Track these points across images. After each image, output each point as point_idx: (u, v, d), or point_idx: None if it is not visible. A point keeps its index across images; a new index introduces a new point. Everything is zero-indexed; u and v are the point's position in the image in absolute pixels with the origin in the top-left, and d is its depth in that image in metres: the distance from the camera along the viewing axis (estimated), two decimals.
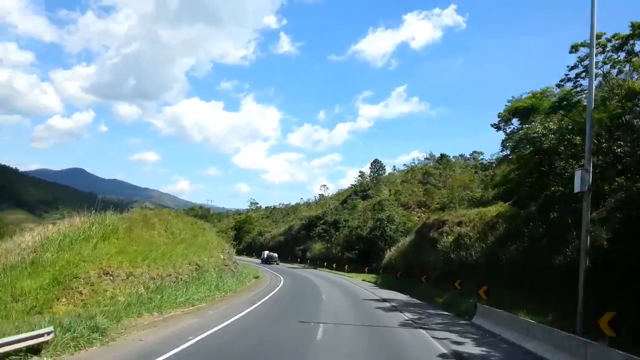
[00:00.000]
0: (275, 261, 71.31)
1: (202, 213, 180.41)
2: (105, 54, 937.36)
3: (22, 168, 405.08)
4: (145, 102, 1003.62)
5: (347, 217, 69.98)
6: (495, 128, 43.63)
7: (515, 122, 43.16)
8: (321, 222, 69.84)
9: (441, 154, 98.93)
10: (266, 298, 25.48)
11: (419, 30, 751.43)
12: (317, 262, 70.89)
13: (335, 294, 29.56)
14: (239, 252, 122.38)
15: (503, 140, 42.58)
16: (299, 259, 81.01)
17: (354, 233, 65.86)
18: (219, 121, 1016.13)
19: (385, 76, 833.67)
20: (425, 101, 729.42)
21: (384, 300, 26.83)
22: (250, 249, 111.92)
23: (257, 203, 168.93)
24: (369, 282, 44.03)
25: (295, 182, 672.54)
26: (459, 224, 28.94)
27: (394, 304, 25.06)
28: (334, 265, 62.77)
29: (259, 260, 75.73)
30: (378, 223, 61.32)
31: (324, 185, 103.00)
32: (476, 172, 66.57)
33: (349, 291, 32.11)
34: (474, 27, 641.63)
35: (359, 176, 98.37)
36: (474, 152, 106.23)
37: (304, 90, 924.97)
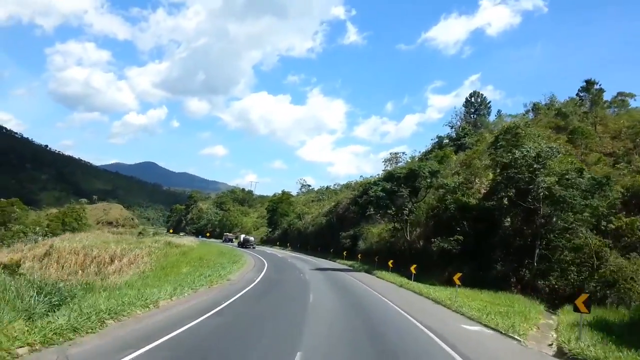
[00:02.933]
0: (251, 245, 66.90)
1: (242, 196, 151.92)
2: (176, 51, 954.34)
3: (98, 162, 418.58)
4: (213, 96, 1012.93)
5: (435, 166, 34.32)
6: None
7: None
8: (379, 185, 34.72)
9: (586, 81, 58.97)
10: None
11: (496, 15, 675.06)
12: (374, 258, 36.66)
13: None
14: (271, 242, 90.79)
15: None
16: (344, 253, 47.09)
17: (451, 199, 30.82)
18: (285, 114, 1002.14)
19: (458, 65, 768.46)
20: (501, 90, 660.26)
21: None
22: (285, 238, 79.67)
23: (309, 185, 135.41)
24: None
25: (361, 175, 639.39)
26: None
27: None
28: (413, 268, 27.95)
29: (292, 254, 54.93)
30: (513, 172, 25.99)
31: (395, 155, 64.73)
32: None
33: None
34: (556, 11, 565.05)
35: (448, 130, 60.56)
36: (620, 93, 65.56)
37: (371, 82, 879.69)
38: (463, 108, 57.56)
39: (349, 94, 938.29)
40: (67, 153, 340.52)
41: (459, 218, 30.58)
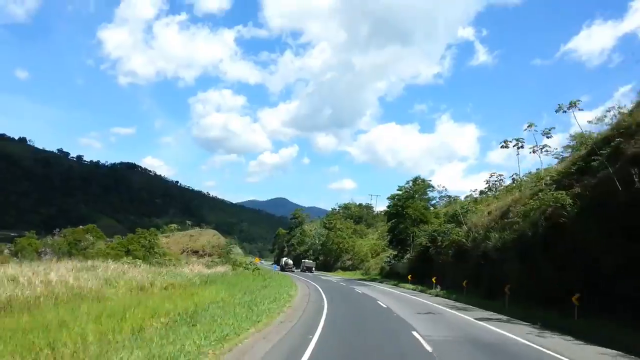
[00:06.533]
0: (290, 268, 62.83)
1: (358, 213, 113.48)
2: (304, 89, 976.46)
3: (236, 200, 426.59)
4: (340, 130, 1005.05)
5: None
6: None
7: None
8: None
9: None
10: None
11: None
12: None
13: None
14: (394, 276, 48.01)
15: None
16: None
17: None
18: (413, 144, 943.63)
19: (605, 76, 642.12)
20: None
21: None
22: (426, 267, 38.74)
23: (451, 196, 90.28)
24: None
25: None
26: None
27: None
28: None
29: None
30: None
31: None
32: None
33: None
34: None
35: None
36: None
37: (505, 103, 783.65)
38: None
39: (480, 118, 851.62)
40: (196, 189, 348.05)
41: None
